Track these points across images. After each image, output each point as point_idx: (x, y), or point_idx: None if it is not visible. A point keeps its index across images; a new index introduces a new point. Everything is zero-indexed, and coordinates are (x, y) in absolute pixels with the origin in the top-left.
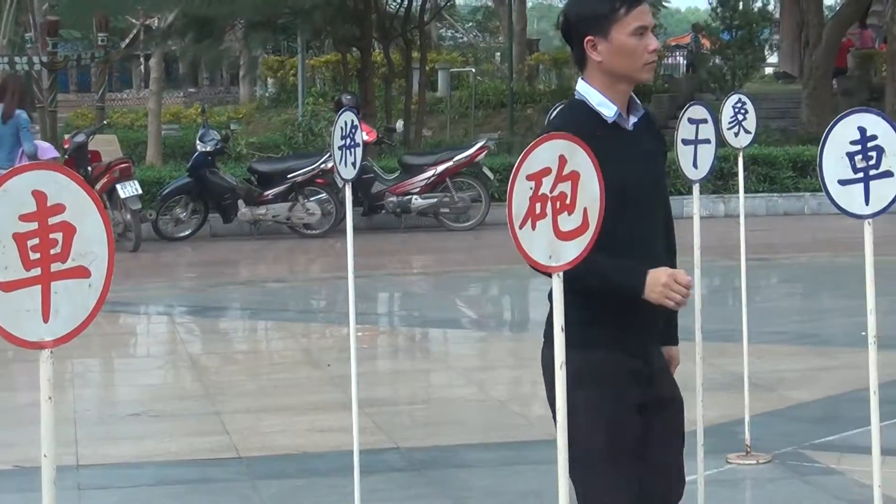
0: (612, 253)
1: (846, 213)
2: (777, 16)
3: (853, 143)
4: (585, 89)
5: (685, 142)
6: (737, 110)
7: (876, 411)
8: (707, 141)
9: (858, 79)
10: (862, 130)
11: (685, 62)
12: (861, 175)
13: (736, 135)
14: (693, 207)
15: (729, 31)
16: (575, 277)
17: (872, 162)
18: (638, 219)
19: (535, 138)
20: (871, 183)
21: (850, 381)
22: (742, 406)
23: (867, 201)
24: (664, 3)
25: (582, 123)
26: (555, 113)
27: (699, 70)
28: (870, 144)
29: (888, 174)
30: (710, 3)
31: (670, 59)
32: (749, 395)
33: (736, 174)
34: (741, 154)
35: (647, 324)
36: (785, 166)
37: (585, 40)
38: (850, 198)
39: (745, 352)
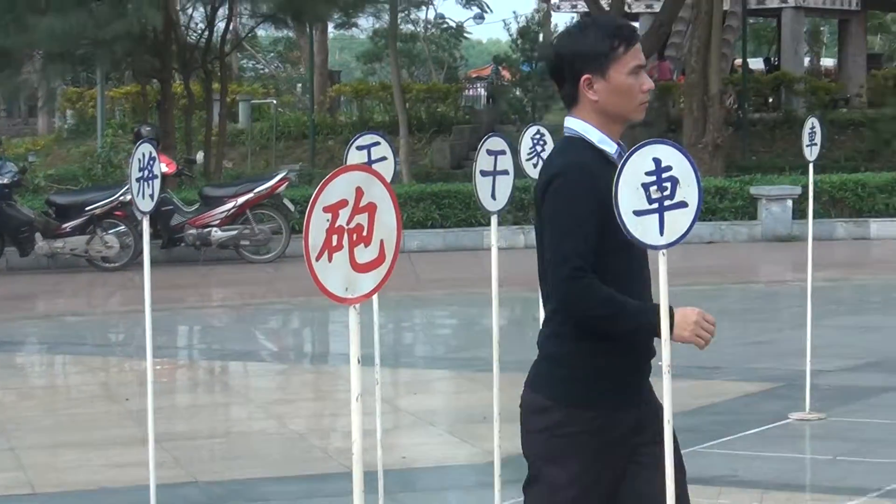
0: (627, 290)
1: (641, 243)
2: None
3: (648, 173)
4: (583, 127)
5: (483, 173)
6: (535, 141)
7: (669, 438)
8: (505, 172)
9: (657, 110)
10: (657, 161)
11: (486, 94)
12: (656, 206)
13: (535, 166)
14: (491, 238)
15: (529, 63)
16: (612, 319)
17: (667, 192)
18: (637, 257)
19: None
20: (666, 213)
21: None
22: None
23: (662, 231)
24: (465, 35)
25: (591, 160)
26: (557, 151)
27: (500, 102)
28: (665, 175)
29: (682, 204)
30: (510, 36)
31: (471, 90)
32: None
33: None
34: None
35: (646, 370)
36: None
37: (582, 79)
38: (645, 228)
39: None
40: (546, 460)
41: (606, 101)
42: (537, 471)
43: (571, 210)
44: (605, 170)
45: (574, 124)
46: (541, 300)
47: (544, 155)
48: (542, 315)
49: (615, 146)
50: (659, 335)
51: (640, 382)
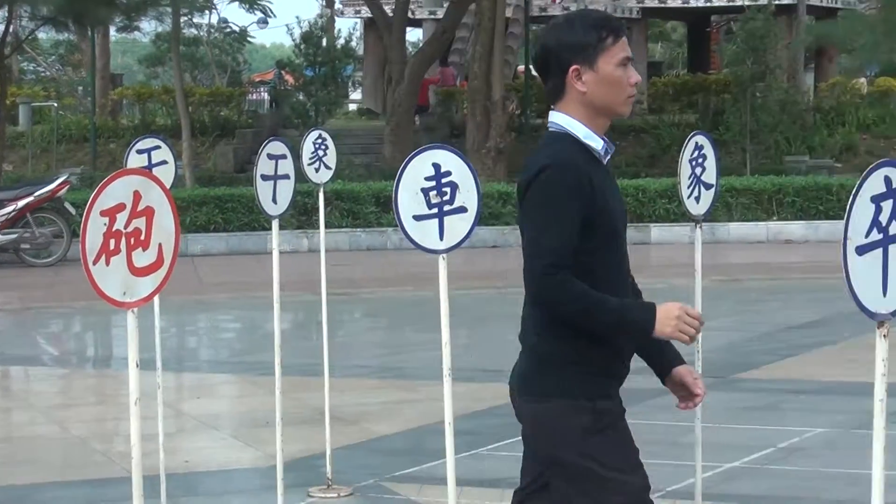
0: (609, 287)
1: (421, 247)
2: (361, 53)
3: (428, 178)
4: (568, 122)
5: (264, 177)
6: (317, 146)
7: (451, 443)
8: (286, 176)
9: (440, 116)
10: (436, 167)
11: (269, 98)
12: (436, 210)
13: (317, 170)
14: (273, 242)
15: (312, 68)
16: (588, 315)
17: (447, 198)
18: (623, 253)
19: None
20: (446, 218)
21: (431, 413)
22: (324, 439)
23: (441, 236)
24: (249, 39)
25: (580, 156)
26: (543, 147)
27: (283, 106)
28: (444, 180)
29: (462, 209)
30: (294, 41)
31: (255, 94)
32: (331, 428)
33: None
34: (322, 189)
35: (628, 366)
36: (368, 202)
37: (571, 69)
38: (425, 233)
39: (327, 385)
40: (593, 461)
41: (595, 92)
42: (577, 475)
43: (552, 206)
44: (591, 166)
45: (559, 119)
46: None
47: (326, 159)
48: (324, 319)
49: (601, 142)
50: (639, 332)
51: (624, 377)
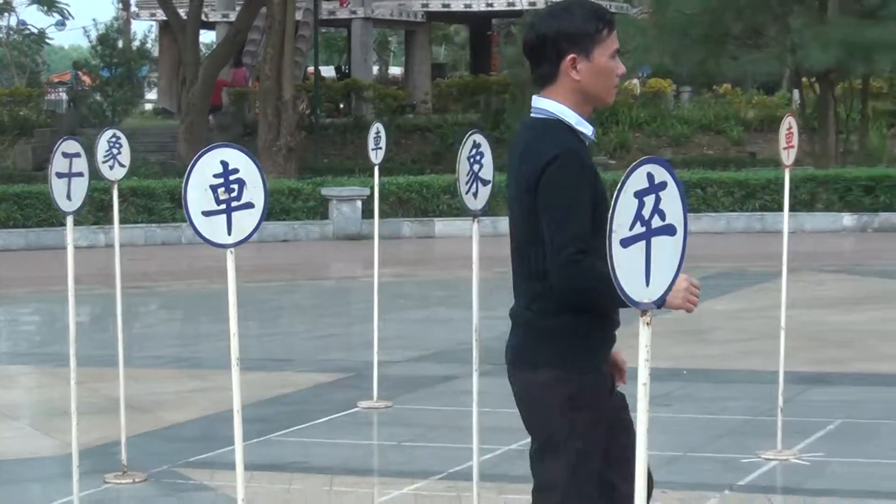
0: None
1: (210, 242)
2: (156, 54)
3: (216, 175)
4: (559, 109)
5: (59, 175)
6: (112, 144)
7: (239, 429)
8: (80, 174)
9: (233, 115)
10: (225, 164)
11: (67, 98)
12: (224, 206)
13: (111, 168)
14: (67, 238)
15: (108, 69)
16: (609, 298)
17: (234, 194)
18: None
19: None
20: (234, 214)
21: (222, 401)
22: (119, 428)
23: (230, 231)
24: (47, 41)
25: (575, 142)
26: (539, 136)
27: (80, 106)
28: (232, 177)
29: (249, 205)
30: (90, 42)
31: (53, 95)
32: (126, 417)
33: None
34: (116, 186)
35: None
36: (163, 198)
37: (568, 57)
38: (214, 228)
39: (122, 375)
40: (570, 433)
41: (588, 81)
42: (557, 444)
43: (570, 195)
44: (586, 153)
45: (548, 105)
46: (513, 276)
47: (120, 157)
48: (118, 311)
49: (591, 128)
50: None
51: (614, 341)
